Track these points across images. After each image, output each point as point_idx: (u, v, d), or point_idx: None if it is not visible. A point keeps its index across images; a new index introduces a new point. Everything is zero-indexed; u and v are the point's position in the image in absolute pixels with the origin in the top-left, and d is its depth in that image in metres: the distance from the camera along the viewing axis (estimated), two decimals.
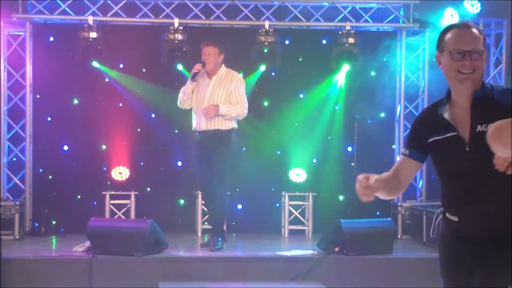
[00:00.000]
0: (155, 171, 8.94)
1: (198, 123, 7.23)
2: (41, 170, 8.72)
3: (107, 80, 8.82)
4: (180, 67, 8.59)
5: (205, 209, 8.53)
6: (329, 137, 8.99)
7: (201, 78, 7.32)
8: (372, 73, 9.01)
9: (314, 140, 9.02)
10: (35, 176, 8.57)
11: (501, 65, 8.66)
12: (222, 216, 7.49)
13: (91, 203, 8.65)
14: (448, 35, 2.88)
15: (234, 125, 7.30)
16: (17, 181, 8.54)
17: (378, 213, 8.76)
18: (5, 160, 8.50)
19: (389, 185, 3.07)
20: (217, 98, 7.22)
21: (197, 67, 7.21)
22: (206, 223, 8.54)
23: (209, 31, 8.82)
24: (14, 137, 8.58)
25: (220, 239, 7.30)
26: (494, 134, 2.44)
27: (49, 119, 8.79)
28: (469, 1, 8.58)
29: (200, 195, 8.57)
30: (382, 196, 3.06)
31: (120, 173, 8.76)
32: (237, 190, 8.76)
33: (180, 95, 7.31)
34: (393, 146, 9.12)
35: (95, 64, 8.53)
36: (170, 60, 8.50)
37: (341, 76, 8.90)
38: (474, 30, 2.86)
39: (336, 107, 9.07)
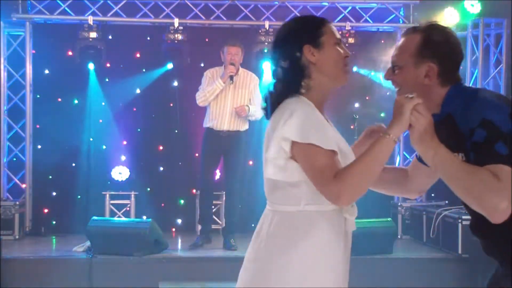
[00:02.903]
0: (155, 171, 8.94)
1: (220, 122, 7.29)
2: (41, 170, 8.72)
3: (107, 80, 8.83)
4: (170, 65, 8.58)
5: None
6: None
7: (218, 78, 7.34)
8: (372, 73, 9.01)
9: None
10: (35, 176, 8.57)
11: (501, 65, 8.66)
12: (239, 216, 7.65)
13: (91, 203, 8.64)
14: None
15: (248, 126, 7.48)
16: (17, 181, 8.54)
17: (378, 213, 8.76)
18: (5, 160, 8.50)
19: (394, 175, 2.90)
20: (241, 98, 7.35)
21: (232, 69, 7.24)
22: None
23: (209, 31, 8.83)
24: (14, 137, 8.58)
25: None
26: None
27: (49, 119, 8.79)
28: (469, 1, 8.58)
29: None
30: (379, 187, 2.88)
31: (120, 173, 8.76)
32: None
33: (207, 94, 7.26)
34: None
35: (95, 64, 8.53)
36: (169, 60, 8.50)
37: None
38: None
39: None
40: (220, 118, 7.31)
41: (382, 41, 9.10)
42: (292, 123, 2.50)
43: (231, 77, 7.25)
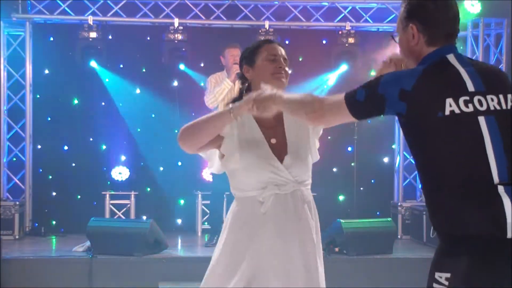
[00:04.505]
0: (155, 171, 8.94)
1: None
2: (41, 170, 8.72)
3: (107, 80, 8.83)
4: (182, 66, 8.60)
5: (205, 209, 8.54)
6: (329, 137, 8.99)
7: (221, 80, 7.41)
8: (372, 73, 9.01)
9: None
10: (35, 176, 8.57)
11: (501, 65, 8.65)
12: None
13: (91, 203, 8.65)
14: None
15: None
16: (17, 181, 8.53)
17: (378, 213, 8.77)
18: (5, 160, 8.50)
19: None
20: None
21: (237, 68, 7.30)
22: (206, 223, 8.54)
23: (209, 31, 8.83)
24: (14, 137, 8.58)
25: None
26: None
27: (49, 119, 8.79)
28: (469, 1, 8.57)
29: (200, 195, 8.58)
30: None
31: (120, 173, 8.76)
32: None
33: (216, 95, 7.33)
34: (393, 146, 9.13)
35: (95, 64, 8.53)
36: (170, 60, 8.50)
37: (336, 75, 8.92)
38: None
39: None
40: None
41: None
42: None
43: (239, 74, 7.31)
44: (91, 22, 8.33)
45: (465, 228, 2.38)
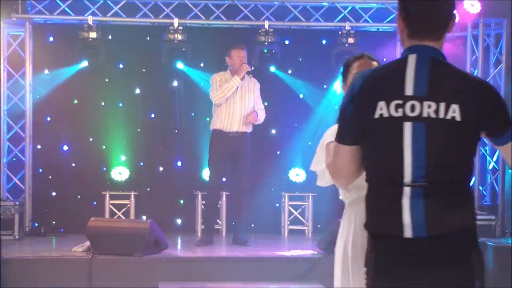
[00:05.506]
0: (155, 171, 8.94)
1: (230, 124, 7.55)
2: (41, 170, 8.72)
3: (107, 80, 8.83)
4: (180, 65, 8.60)
5: (203, 208, 8.54)
6: None
7: (225, 79, 7.54)
8: None
9: (314, 140, 9.02)
10: (35, 176, 8.57)
11: (501, 65, 8.65)
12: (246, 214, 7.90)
13: (91, 203, 8.65)
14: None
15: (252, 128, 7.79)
16: (17, 181, 8.53)
17: None
18: (5, 160, 8.50)
19: None
20: (248, 102, 7.62)
21: (247, 67, 7.56)
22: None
23: (209, 31, 8.83)
24: (14, 137, 8.57)
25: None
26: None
27: (49, 119, 8.79)
28: (469, 1, 8.57)
29: (200, 195, 8.58)
30: None
31: (120, 173, 8.76)
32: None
33: (225, 91, 7.45)
34: None
35: (95, 64, 8.52)
36: (170, 60, 8.50)
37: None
38: None
39: (336, 107, 9.07)
40: (230, 119, 7.55)
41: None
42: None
43: (248, 73, 7.59)
44: (91, 22, 8.33)
45: (374, 226, 2.49)
